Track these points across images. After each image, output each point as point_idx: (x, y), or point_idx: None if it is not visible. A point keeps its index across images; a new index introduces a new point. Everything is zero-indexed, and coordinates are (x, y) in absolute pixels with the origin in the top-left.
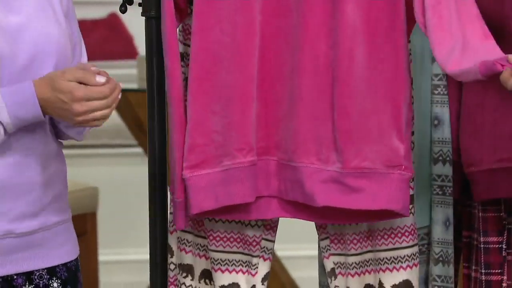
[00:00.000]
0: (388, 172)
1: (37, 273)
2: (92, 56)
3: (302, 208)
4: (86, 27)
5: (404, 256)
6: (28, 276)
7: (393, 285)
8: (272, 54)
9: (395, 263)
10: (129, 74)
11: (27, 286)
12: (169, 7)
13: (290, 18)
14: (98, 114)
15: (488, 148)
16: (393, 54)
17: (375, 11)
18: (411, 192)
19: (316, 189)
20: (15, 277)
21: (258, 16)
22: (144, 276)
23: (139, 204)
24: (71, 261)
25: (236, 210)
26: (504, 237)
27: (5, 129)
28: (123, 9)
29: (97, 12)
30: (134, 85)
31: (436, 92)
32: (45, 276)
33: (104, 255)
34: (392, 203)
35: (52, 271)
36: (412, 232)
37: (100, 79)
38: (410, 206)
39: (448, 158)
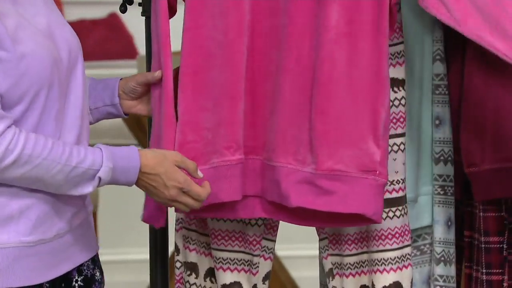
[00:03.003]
0: (362, 177)
1: (85, 264)
2: (92, 56)
3: (281, 209)
4: (86, 27)
5: (394, 258)
6: (78, 267)
7: (383, 287)
8: (260, 53)
9: (385, 265)
10: (129, 74)
11: (77, 277)
12: (163, 6)
13: (278, 18)
14: (182, 207)
15: (489, 147)
16: (376, 59)
17: (359, 14)
18: (402, 193)
19: (291, 190)
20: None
21: (247, 16)
22: (144, 276)
23: (139, 204)
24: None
25: (223, 208)
26: (505, 237)
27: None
28: (123, 9)
29: (97, 12)
30: None
31: (437, 92)
32: (91, 266)
33: (104, 255)
34: (363, 208)
35: (93, 261)
36: (402, 234)
37: (201, 174)
38: (401, 207)
39: (449, 158)
